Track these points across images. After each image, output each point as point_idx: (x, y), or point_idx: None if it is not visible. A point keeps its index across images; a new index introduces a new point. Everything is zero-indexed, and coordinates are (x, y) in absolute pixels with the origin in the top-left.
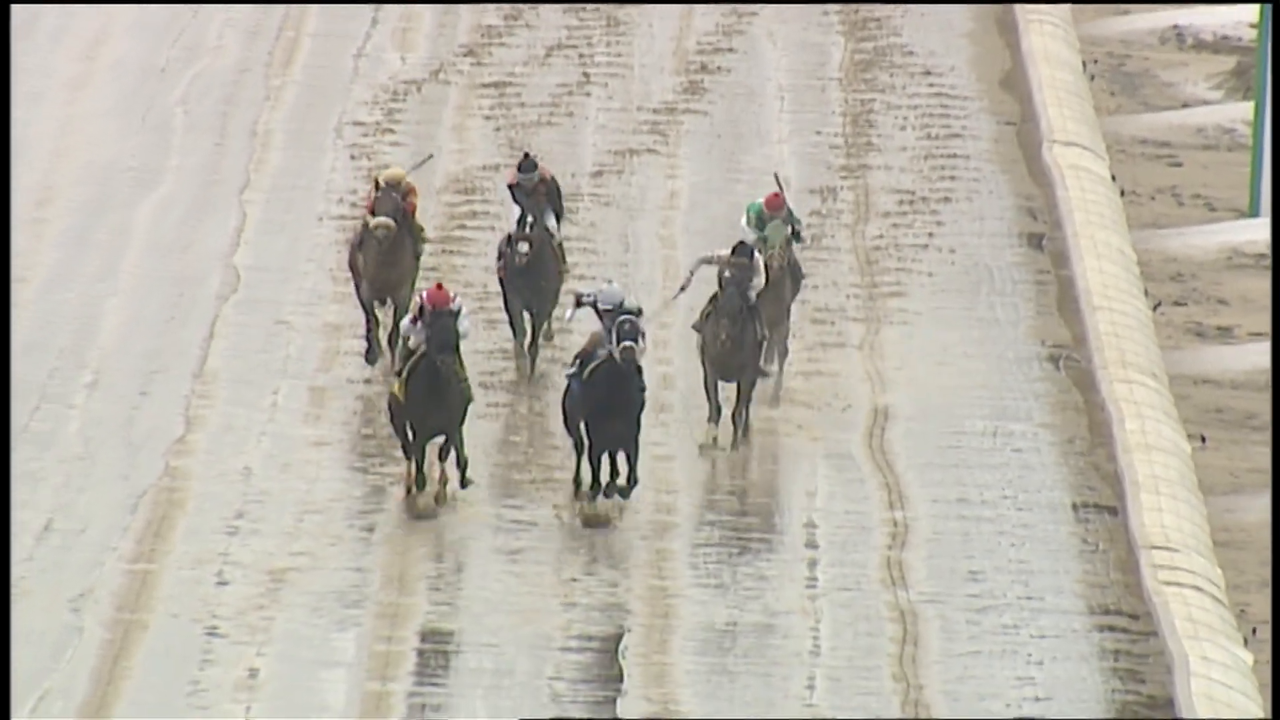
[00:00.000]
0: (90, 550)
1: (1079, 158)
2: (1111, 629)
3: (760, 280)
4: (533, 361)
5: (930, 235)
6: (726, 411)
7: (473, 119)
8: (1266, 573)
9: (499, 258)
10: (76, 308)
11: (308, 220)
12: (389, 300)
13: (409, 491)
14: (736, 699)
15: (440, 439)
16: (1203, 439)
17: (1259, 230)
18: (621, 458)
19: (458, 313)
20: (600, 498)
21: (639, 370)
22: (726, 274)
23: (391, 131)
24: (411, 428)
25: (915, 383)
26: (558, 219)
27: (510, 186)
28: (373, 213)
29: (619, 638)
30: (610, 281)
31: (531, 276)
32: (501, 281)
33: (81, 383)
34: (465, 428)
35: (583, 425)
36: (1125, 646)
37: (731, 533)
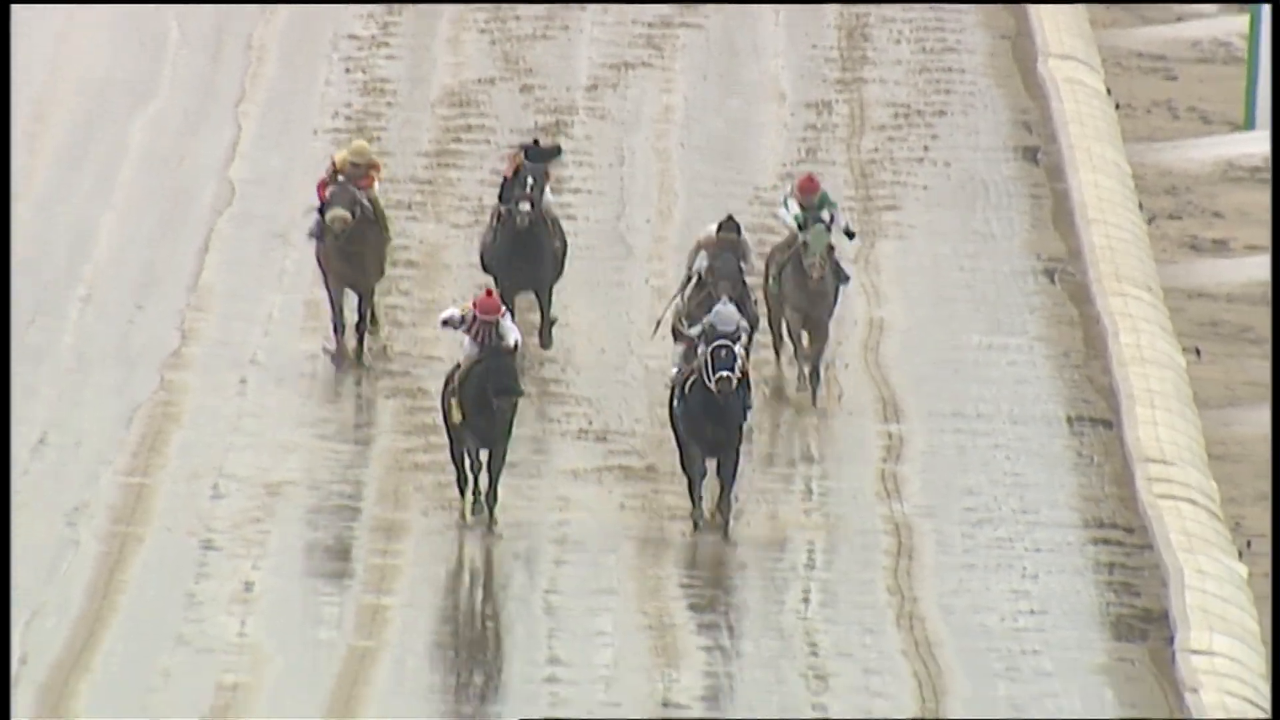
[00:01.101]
0: (85, 464)
1: (1074, 71)
2: (1106, 542)
3: (752, 257)
4: (548, 333)
5: (925, 149)
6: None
7: (467, 32)
8: (1262, 486)
9: (490, 227)
10: (71, 222)
11: (303, 134)
12: (355, 290)
13: (469, 511)
14: (731, 613)
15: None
16: (1198, 352)
17: (1254, 143)
18: (724, 481)
19: (516, 348)
20: (703, 518)
21: (742, 387)
22: (712, 263)
23: (386, 45)
24: (466, 448)
25: (910, 296)
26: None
27: (505, 182)
28: (329, 203)
29: (613, 550)
30: (725, 301)
31: (529, 248)
32: (484, 257)
33: (76, 296)
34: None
35: (684, 438)
36: (1120, 560)
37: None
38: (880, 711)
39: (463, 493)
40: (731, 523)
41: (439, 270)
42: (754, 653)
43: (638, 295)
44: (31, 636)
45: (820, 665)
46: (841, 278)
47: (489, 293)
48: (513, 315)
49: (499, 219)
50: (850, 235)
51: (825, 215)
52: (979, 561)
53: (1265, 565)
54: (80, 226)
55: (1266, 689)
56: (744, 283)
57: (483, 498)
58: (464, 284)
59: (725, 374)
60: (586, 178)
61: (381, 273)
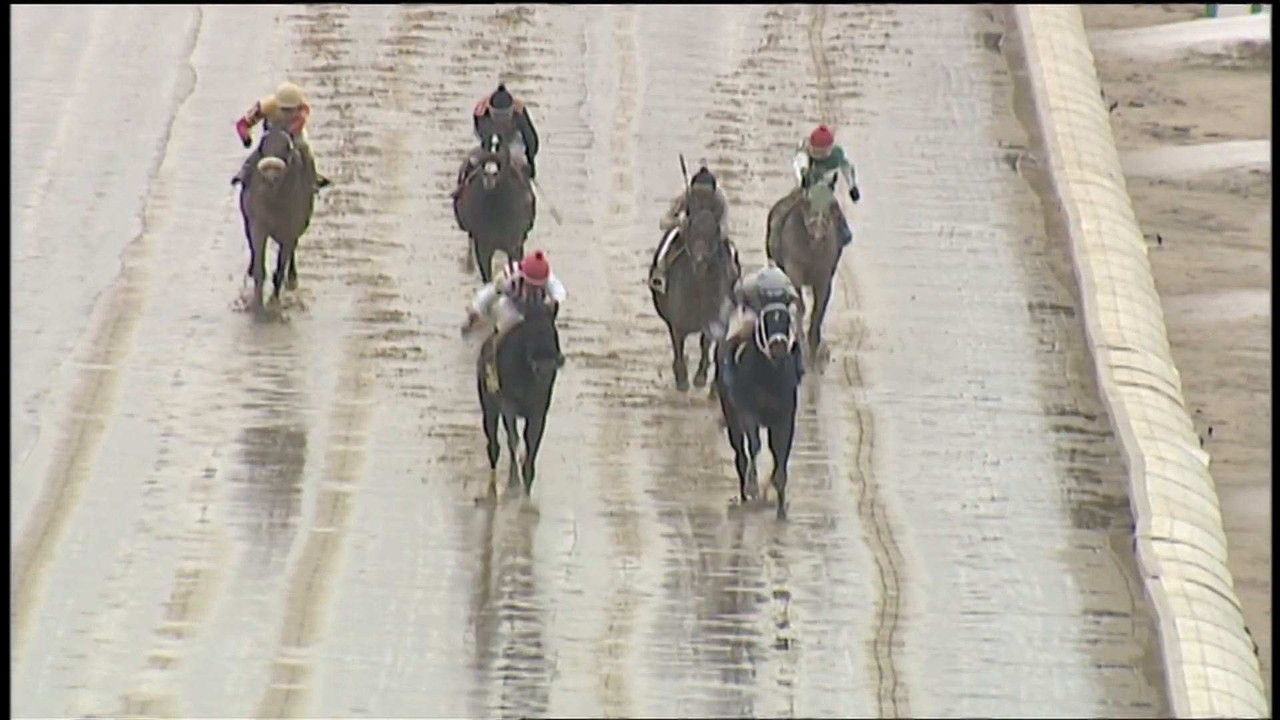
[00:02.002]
0: (46, 351)
1: None
2: (1068, 429)
3: (728, 218)
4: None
5: (887, 36)
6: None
7: None
8: (1222, 372)
9: (459, 183)
10: (33, 109)
11: (264, 20)
12: (278, 240)
13: (491, 468)
14: (689, 497)
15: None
16: (1159, 239)
17: (1216, 30)
18: (778, 455)
19: (555, 311)
20: (756, 493)
21: (794, 352)
22: (690, 220)
23: None
24: (503, 416)
25: (871, 183)
26: (530, 152)
27: (477, 117)
28: (260, 150)
29: (575, 437)
30: (772, 264)
31: (499, 207)
32: (457, 209)
33: (38, 184)
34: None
35: (735, 408)
36: (1081, 446)
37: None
38: (841, 598)
39: (494, 463)
40: (786, 497)
41: (400, 157)
42: (715, 540)
43: (600, 182)
44: None
45: (781, 552)
46: (844, 236)
47: (538, 255)
48: (488, 274)
49: (468, 171)
50: (855, 196)
51: (833, 172)
52: (940, 449)
53: (1226, 452)
54: (41, 113)
55: (1227, 576)
56: (724, 242)
57: (519, 469)
58: (425, 171)
59: (779, 337)
60: (548, 65)
61: (307, 223)
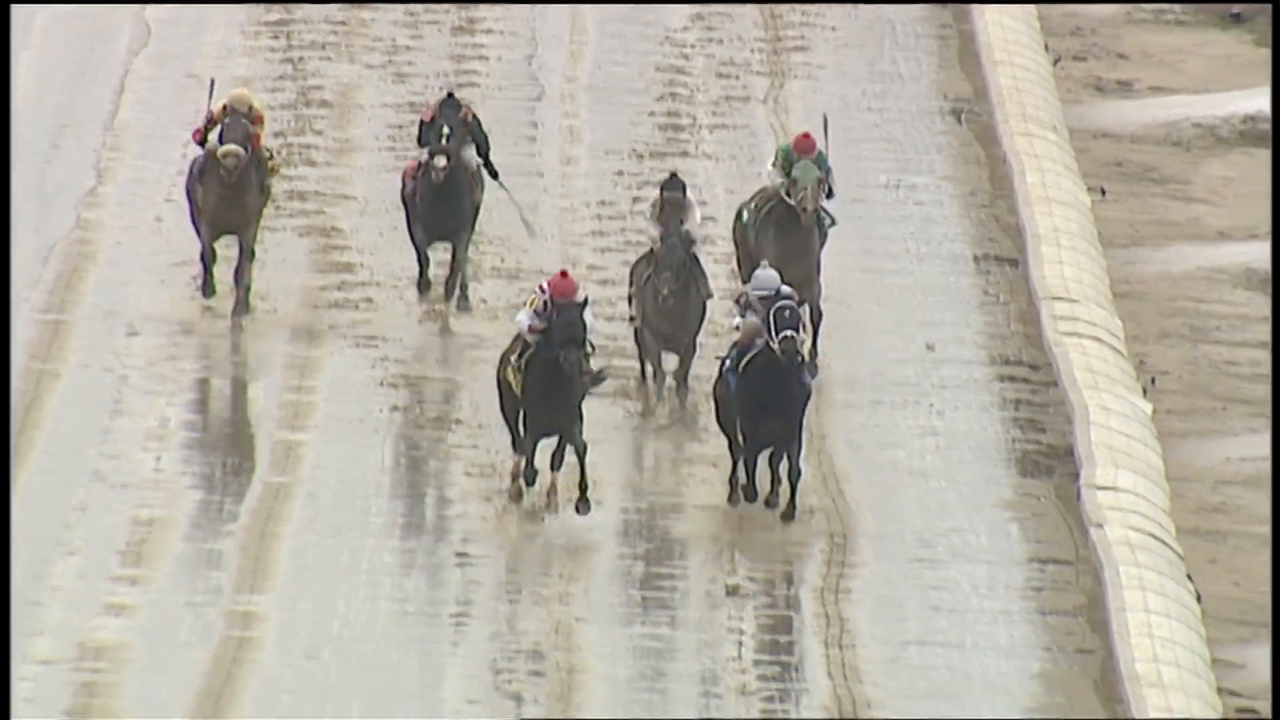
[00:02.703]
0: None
1: None
2: (1012, 379)
3: (698, 216)
4: (464, 290)
5: None
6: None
7: None
8: (1165, 323)
9: (407, 182)
10: None
11: None
12: (232, 236)
13: (514, 484)
14: (644, 451)
15: (555, 440)
16: (1102, 191)
17: None
18: (782, 465)
19: (584, 304)
20: (755, 501)
21: (802, 361)
22: (659, 227)
23: None
24: (524, 423)
25: (818, 135)
26: (485, 153)
27: (423, 123)
28: (220, 139)
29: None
30: (764, 265)
31: (446, 201)
32: (408, 207)
33: None
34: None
35: (738, 423)
36: (1026, 396)
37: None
38: (790, 546)
39: (530, 482)
40: (798, 502)
41: (352, 110)
42: (664, 489)
43: (550, 135)
44: None
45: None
46: (825, 232)
47: (563, 274)
48: (426, 266)
49: (419, 167)
50: (829, 195)
51: (815, 176)
52: (886, 398)
53: (1169, 402)
54: None
55: (1170, 525)
56: (692, 262)
57: (581, 484)
58: (377, 124)
59: (789, 332)
60: (499, 18)
61: (259, 225)
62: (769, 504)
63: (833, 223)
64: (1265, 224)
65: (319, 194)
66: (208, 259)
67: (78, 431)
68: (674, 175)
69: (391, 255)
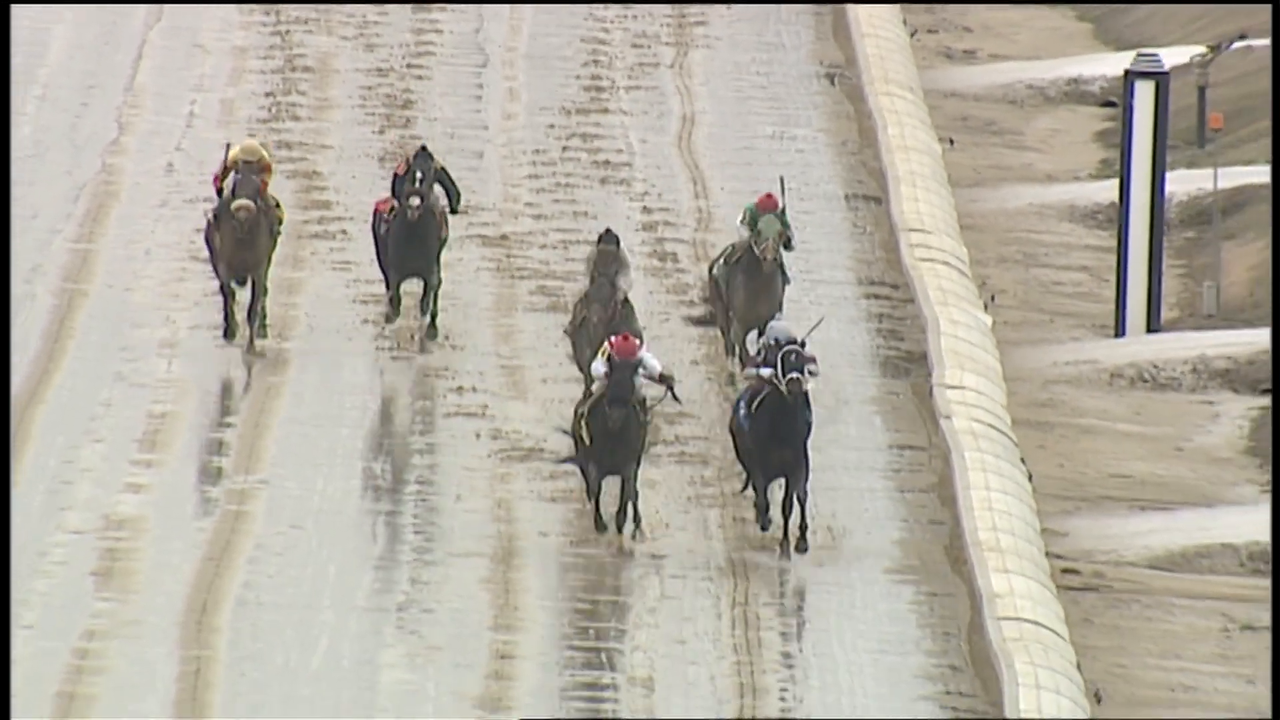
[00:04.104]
0: (41, 233)
1: None
2: (876, 297)
3: (630, 275)
4: (433, 320)
5: None
6: None
7: None
8: (1002, 250)
9: (380, 219)
10: (28, 34)
11: None
12: (247, 279)
13: (596, 519)
14: (567, 348)
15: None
16: (951, 141)
17: None
18: (794, 500)
19: (636, 365)
20: (772, 529)
21: (807, 403)
22: (592, 275)
23: None
24: (594, 466)
25: (716, 95)
26: (454, 204)
27: (396, 176)
28: (233, 194)
29: (475, 303)
30: (778, 318)
31: (417, 238)
32: (379, 243)
33: (32, 95)
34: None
35: (752, 454)
36: (888, 311)
37: (566, 231)
38: (685, 441)
39: (597, 518)
40: (809, 536)
41: (330, 74)
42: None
43: (493, 95)
44: None
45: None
46: (786, 278)
47: (625, 337)
48: (397, 303)
49: (391, 211)
50: (789, 247)
51: (777, 229)
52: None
53: (1005, 315)
54: (35, 37)
55: (1006, 417)
56: (621, 302)
57: (616, 518)
58: (350, 85)
59: (795, 375)
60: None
61: (270, 261)
62: (784, 538)
63: (788, 281)
64: (1086, 168)
65: (302, 144)
66: (227, 302)
67: (103, 341)
68: (608, 230)
69: (362, 194)
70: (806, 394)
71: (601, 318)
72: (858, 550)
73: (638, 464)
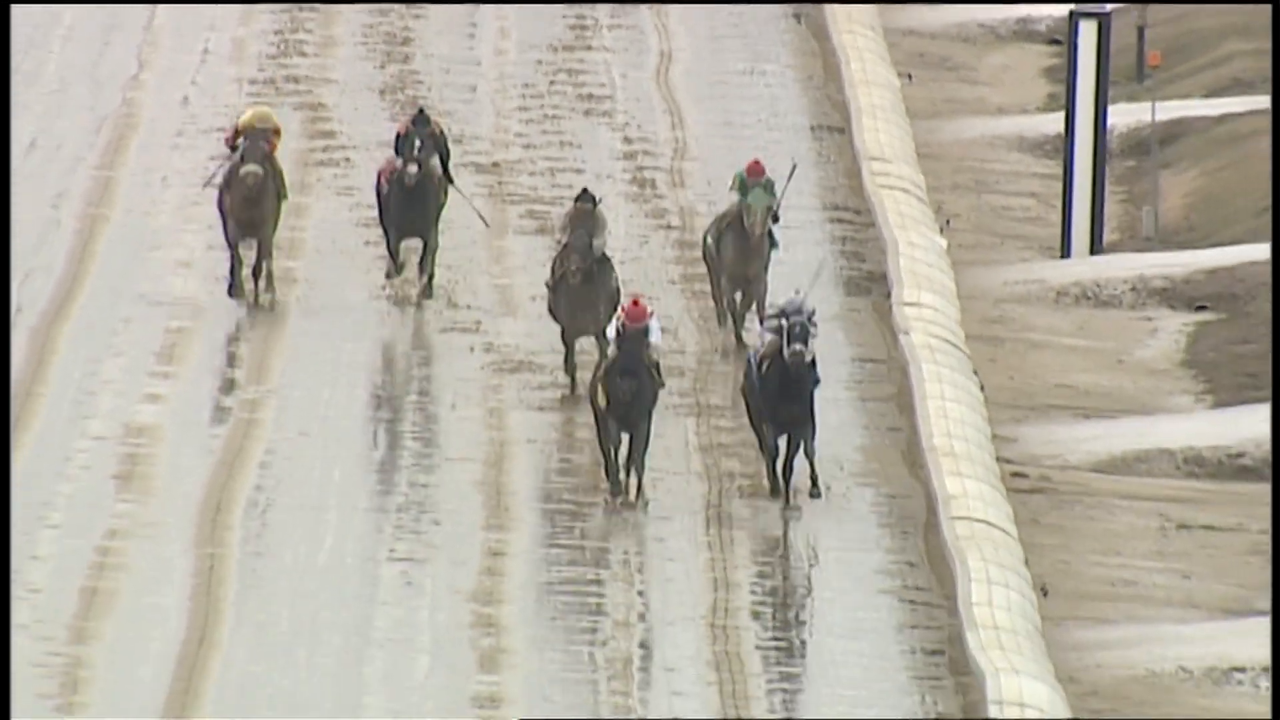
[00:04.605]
0: (65, 162)
1: None
2: (840, 221)
3: (605, 233)
4: (430, 280)
5: None
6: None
7: None
8: (956, 178)
9: (383, 182)
10: None
11: None
12: (254, 239)
13: (610, 479)
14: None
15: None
16: (909, 76)
17: None
18: (804, 456)
19: (646, 331)
20: (780, 487)
21: (813, 364)
22: (570, 230)
23: None
24: (608, 426)
25: (692, 34)
26: (445, 163)
27: (398, 135)
28: (242, 159)
29: (470, 227)
30: (797, 292)
31: (416, 201)
32: (382, 205)
33: (57, 34)
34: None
35: (762, 413)
36: (851, 234)
37: (554, 159)
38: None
39: (609, 474)
40: (821, 489)
41: (334, 13)
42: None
43: (486, 33)
44: (25, 291)
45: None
46: (774, 243)
47: (635, 302)
48: (397, 258)
49: (393, 171)
50: (775, 219)
51: (768, 199)
52: None
53: (960, 238)
54: None
55: (960, 333)
56: (598, 258)
57: (627, 475)
58: (354, 24)
59: (798, 347)
60: None
61: (277, 224)
62: (789, 493)
63: (775, 245)
64: (1034, 101)
65: (308, 78)
66: (235, 262)
67: (123, 262)
68: (585, 190)
69: (364, 125)
70: (813, 359)
71: (580, 267)
72: (822, 456)
73: (649, 424)
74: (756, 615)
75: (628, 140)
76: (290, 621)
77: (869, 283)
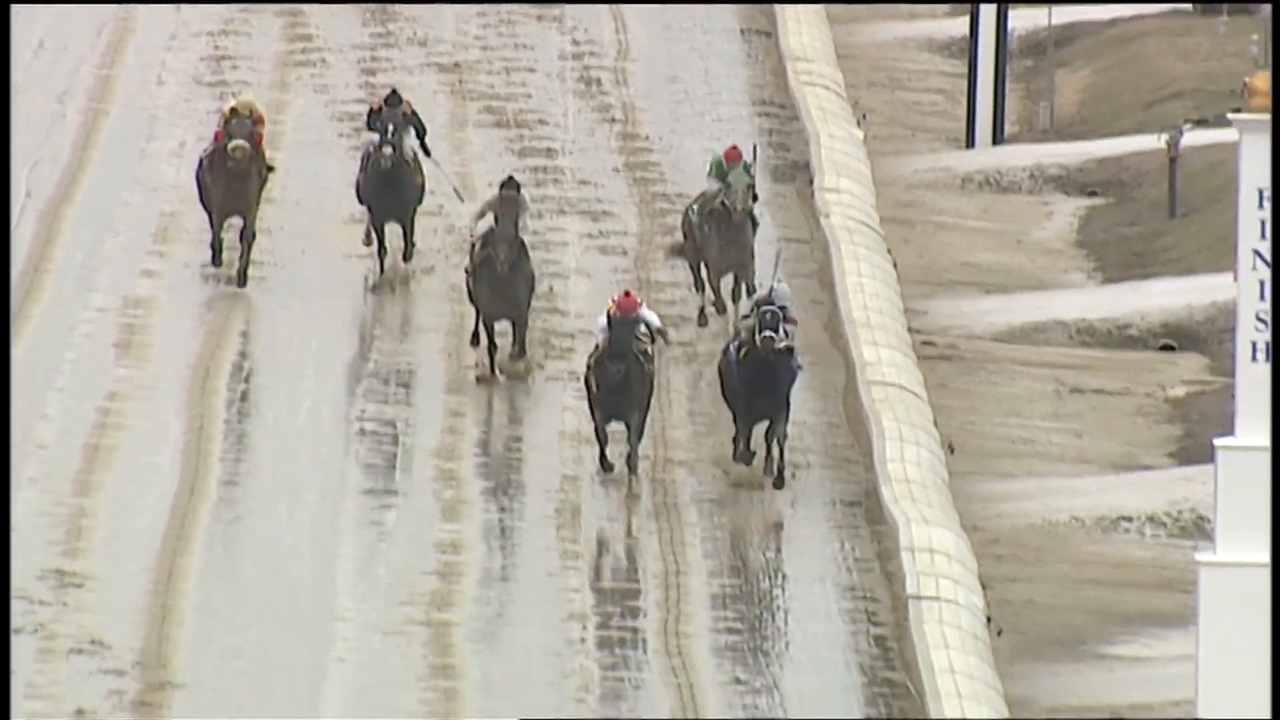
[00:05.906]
0: (70, 61)
1: None
2: (768, 115)
3: (528, 216)
4: (407, 253)
5: None
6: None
7: None
8: (873, 75)
9: (361, 170)
10: None
11: None
12: (238, 216)
13: (602, 461)
14: (522, 178)
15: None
16: None
17: None
18: (774, 441)
19: (635, 321)
20: (753, 464)
21: (787, 352)
22: (497, 217)
23: None
24: (599, 413)
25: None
26: (421, 138)
27: (371, 113)
28: (229, 135)
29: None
30: (779, 281)
31: (393, 185)
32: (360, 193)
33: None
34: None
35: (738, 398)
36: (777, 128)
37: (509, 59)
38: (607, 234)
39: (602, 460)
40: (787, 473)
41: None
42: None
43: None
44: (34, 179)
45: (553, 270)
46: (755, 224)
47: (627, 294)
48: (383, 244)
49: (368, 157)
50: (755, 197)
51: (746, 182)
52: (680, 128)
53: (875, 130)
54: None
55: (875, 216)
56: (521, 244)
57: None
58: None
59: (769, 334)
60: None
61: (258, 204)
62: (766, 471)
63: (756, 225)
64: (942, 7)
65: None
66: (216, 239)
67: (122, 152)
68: (511, 177)
69: (340, 29)
70: (791, 348)
71: (507, 256)
72: None
73: (642, 412)
74: (693, 469)
75: (576, 43)
76: (272, 476)
77: (793, 171)
